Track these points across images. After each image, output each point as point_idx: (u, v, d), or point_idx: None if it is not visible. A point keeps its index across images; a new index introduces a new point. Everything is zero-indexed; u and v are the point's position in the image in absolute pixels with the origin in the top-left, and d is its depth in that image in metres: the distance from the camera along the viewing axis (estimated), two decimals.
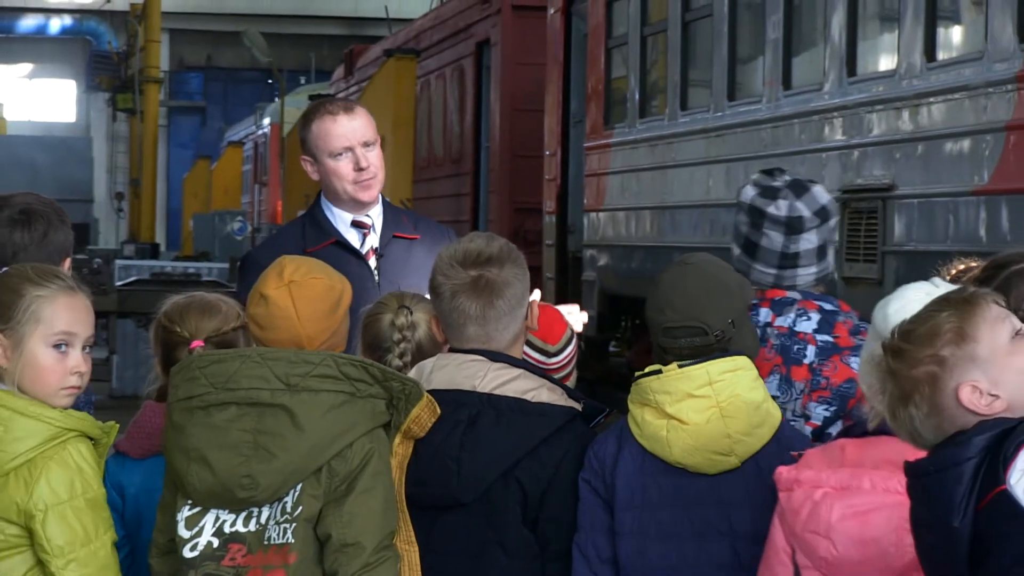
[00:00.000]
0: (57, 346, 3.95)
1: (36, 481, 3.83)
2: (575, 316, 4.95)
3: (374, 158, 5.39)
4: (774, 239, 4.50)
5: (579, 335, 5.01)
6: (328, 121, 5.38)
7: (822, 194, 4.64)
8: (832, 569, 3.52)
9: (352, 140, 5.36)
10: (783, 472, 3.63)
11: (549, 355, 4.64)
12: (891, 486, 3.46)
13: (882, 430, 3.55)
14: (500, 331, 4.09)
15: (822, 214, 4.59)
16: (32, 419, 3.88)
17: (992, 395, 2.99)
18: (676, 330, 4.00)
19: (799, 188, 4.58)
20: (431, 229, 5.58)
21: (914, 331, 3.07)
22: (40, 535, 3.82)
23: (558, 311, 4.75)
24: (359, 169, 5.36)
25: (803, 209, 4.54)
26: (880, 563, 3.46)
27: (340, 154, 5.37)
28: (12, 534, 3.85)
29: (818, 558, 3.53)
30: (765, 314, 4.53)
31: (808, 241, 4.55)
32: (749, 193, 4.56)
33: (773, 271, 4.56)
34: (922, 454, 3.39)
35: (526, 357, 4.34)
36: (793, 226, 4.52)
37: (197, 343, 4.28)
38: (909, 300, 3.55)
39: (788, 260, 4.53)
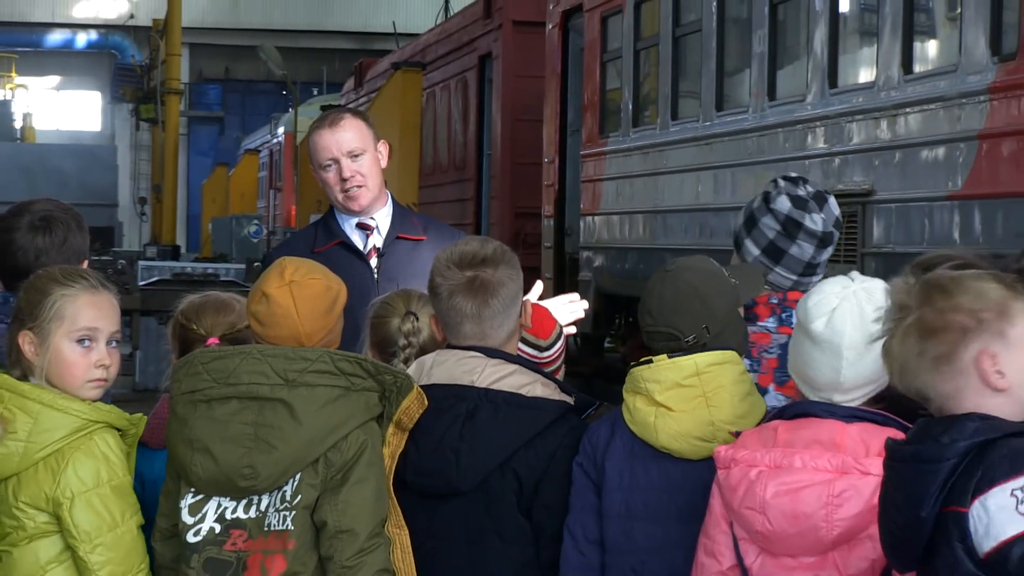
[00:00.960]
0: (80, 341, 3.97)
1: (63, 470, 3.85)
2: (577, 305, 4.97)
3: (361, 167, 5.39)
4: (806, 250, 4.46)
5: (574, 333, 5.03)
6: (315, 135, 5.42)
7: (835, 205, 4.61)
8: (768, 542, 3.55)
9: (336, 152, 5.37)
10: (721, 451, 3.66)
11: (541, 349, 4.66)
12: (820, 465, 3.50)
13: (811, 412, 3.59)
14: (495, 328, 4.10)
15: (838, 226, 4.58)
16: (60, 412, 3.89)
17: (999, 372, 2.98)
18: (653, 334, 4.03)
19: (820, 200, 4.55)
20: (441, 232, 5.58)
21: (964, 281, 3.03)
22: (68, 521, 3.83)
23: (548, 309, 4.77)
24: (343, 180, 5.37)
25: (829, 223, 4.51)
26: (811, 536, 3.49)
27: (327, 165, 5.40)
28: (42, 521, 3.86)
29: (755, 532, 3.56)
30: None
31: (829, 252, 4.54)
32: (786, 204, 4.48)
33: (794, 277, 4.51)
34: (854, 435, 3.42)
35: (520, 352, 4.35)
36: (825, 240, 4.50)
37: (213, 340, 4.27)
38: (827, 294, 3.62)
39: (810, 269, 4.51)
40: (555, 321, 4.75)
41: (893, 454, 3.03)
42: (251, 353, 3.84)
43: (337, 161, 5.37)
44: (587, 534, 3.98)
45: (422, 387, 3.98)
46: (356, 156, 5.38)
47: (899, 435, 3.47)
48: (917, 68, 9.57)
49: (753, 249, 4.50)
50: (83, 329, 3.97)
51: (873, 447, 3.49)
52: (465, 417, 3.97)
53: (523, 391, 4.01)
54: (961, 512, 2.87)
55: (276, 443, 3.75)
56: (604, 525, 3.97)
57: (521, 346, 4.44)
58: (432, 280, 4.14)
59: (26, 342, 3.95)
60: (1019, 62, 8.38)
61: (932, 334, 3.01)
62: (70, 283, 4.00)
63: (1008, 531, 2.81)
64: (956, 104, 8.93)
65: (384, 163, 5.49)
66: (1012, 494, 2.82)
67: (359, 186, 5.38)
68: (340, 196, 5.40)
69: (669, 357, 3.95)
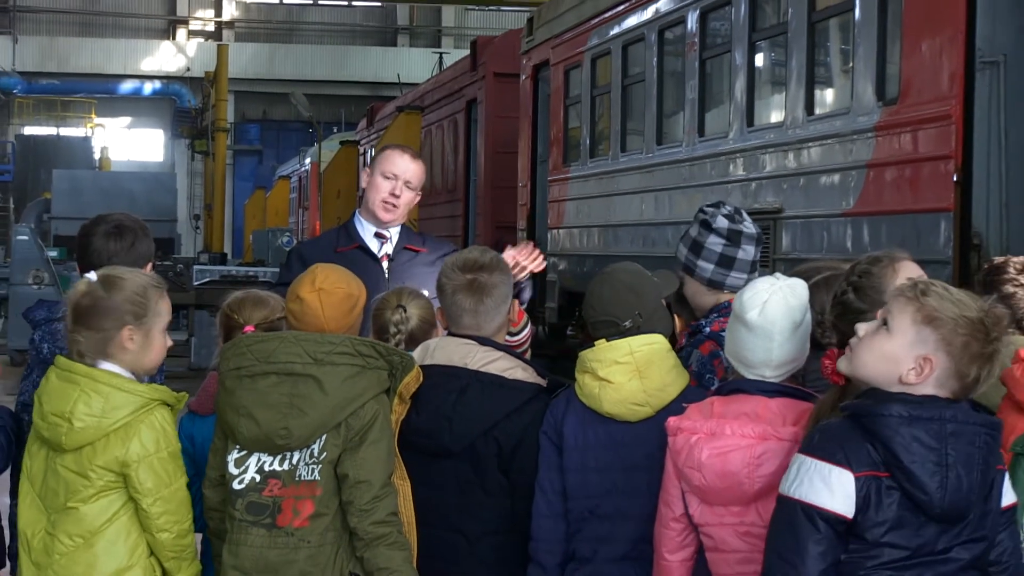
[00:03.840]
0: (164, 331, 4.01)
1: (131, 439, 3.87)
2: (535, 257, 5.03)
3: (406, 195, 5.49)
4: (749, 251, 4.40)
5: (542, 269, 5.06)
6: (393, 152, 5.53)
7: (745, 215, 4.58)
8: (703, 495, 3.58)
9: (400, 171, 5.47)
10: (671, 421, 3.68)
11: (513, 335, 4.69)
12: (746, 432, 3.51)
13: (741, 388, 3.57)
14: (488, 322, 4.13)
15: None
16: (127, 393, 3.91)
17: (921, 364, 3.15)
18: (596, 324, 4.06)
19: (739, 212, 4.51)
20: (437, 245, 5.65)
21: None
22: (134, 480, 3.86)
23: (520, 305, 4.81)
24: (392, 194, 5.44)
25: (754, 226, 4.48)
26: (737, 490, 3.51)
27: (388, 176, 5.47)
28: (110, 480, 3.89)
29: (693, 487, 3.59)
30: None
31: (760, 250, 4.50)
32: (724, 222, 4.39)
33: (746, 276, 4.41)
34: (773, 408, 3.43)
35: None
36: (759, 240, 4.47)
37: (249, 328, 4.27)
38: (759, 289, 3.60)
39: (754, 267, 4.48)
40: (523, 314, 4.80)
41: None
42: (287, 338, 3.86)
43: (396, 178, 5.46)
44: (553, 487, 4.00)
45: (426, 365, 4.01)
46: (410, 186, 5.50)
47: (811, 406, 3.47)
48: (818, 110, 9.58)
49: (707, 266, 4.38)
50: (168, 322, 4.03)
51: (789, 418, 3.49)
52: (458, 392, 4.00)
53: (506, 374, 4.04)
54: None
55: (307, 410, 3.77)
56: (565, 478, 3.99)
57: None
58: (440, 280, 4.18)
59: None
60: (899, 106, 8.40)
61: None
62: (159, 287, 4.05)
63: None
64: (849, 140, 8.94)
65: (413, 204, 5.61)
66: None
67: (395, 206, 5.46)
68: (379, 203, 5.48)
69: (607, 340, 3.96)
